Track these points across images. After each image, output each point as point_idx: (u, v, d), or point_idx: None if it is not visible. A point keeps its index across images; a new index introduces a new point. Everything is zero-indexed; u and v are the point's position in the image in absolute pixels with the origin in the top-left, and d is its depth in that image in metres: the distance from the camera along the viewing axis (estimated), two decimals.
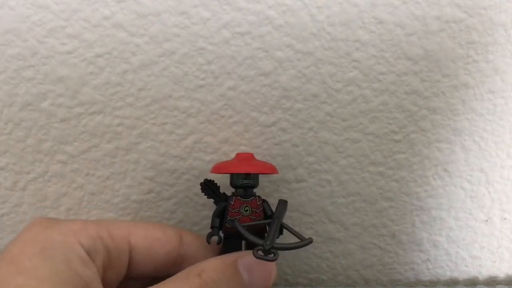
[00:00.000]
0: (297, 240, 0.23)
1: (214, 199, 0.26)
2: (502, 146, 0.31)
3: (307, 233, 0.32)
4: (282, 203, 0.24)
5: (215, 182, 0.26)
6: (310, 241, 0.22)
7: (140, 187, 0.31)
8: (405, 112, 0.29)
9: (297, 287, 0.34)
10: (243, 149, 0.30)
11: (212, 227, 0.25)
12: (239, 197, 0.25)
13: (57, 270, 0.19)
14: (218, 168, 0.26)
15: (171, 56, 0.27)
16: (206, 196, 0.26)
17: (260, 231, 0.25)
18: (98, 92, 0.28)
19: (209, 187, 0.26)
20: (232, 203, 0.24)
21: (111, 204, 0.31)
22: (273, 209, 0.25)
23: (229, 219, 0.24)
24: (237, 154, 0.27)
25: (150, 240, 0.23)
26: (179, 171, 0.30)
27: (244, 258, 0.22)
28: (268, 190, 0.31)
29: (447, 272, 0.34)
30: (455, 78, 0.29)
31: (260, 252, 0.21)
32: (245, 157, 0.26)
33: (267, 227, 0.24)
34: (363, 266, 0.34)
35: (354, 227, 0.32)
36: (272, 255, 0.21)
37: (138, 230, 0.23)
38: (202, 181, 0.26)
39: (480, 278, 0.34)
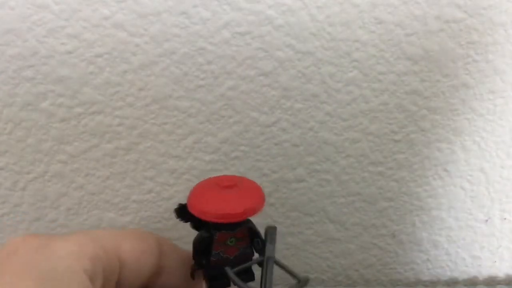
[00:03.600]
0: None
1: (193, 222, 0.22)
2: (502, 146, 0.31)
3: (307, 233, 0.32)
4: (271, 234, 0.22)
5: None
6: (307, 281, 0.21)
7: (140, 187, 0.31)
8: (405, 112, 0.29)
9: None
10: (243, 149, 0.30)
11: (198, 263, 0.22)
12: (223, 231, 0.21)
13: None
14: (196, 209, 0.21)
15: (171, 56, 0.27)
16: (183, 221, 0.22)
17: (246, 258, 0.22)
18: (98, 92, 0.28)
19: (185, 212, 0.22)
20: (217, 238, 0.21)
21: (111, 204, 0.31)
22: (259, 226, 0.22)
23: (214, 253, 0.22)
24: (216, 181, 0.22)
25: (137, 253, 0.21)
26: (179, 171, 0.30)
27: None
28: (268, 190, 0.31)
29: (447, 272, 0.34)
30: (455, 78, 0.29)
31: None
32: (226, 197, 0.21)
33: (260, 266, 0.21)
34: (363, 266, 0.34)
35: (354, 227, 0.32)
36: None
37: (126, 243, 0.21)
38: (176, 206, 0.22)
39: (480, 278, 0.34)
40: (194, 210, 0.21)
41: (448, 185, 0.31)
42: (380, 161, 0.31)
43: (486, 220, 0.33)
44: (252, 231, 0.22)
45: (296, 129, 0.30)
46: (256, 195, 0.22)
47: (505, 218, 0.33)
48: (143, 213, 0.31)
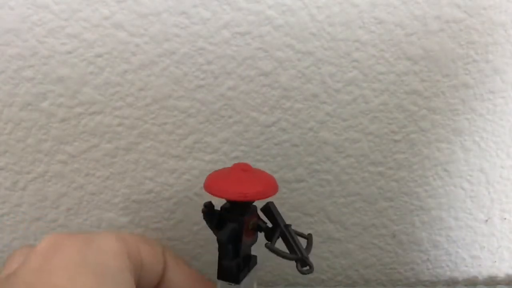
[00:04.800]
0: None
1: (218, 226, 0.22)
2: (502, 146, 0.31)
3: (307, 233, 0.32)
4: (273, 207, 0.23)
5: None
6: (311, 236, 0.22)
7: (140, 187, 0.31)
8: (405, 112, 0.29)
9: (297, 287, 0.34)
10: (243, 149, 0.30)
11: (233, 257, 0.22)
12: (246, 216, 0.22)
13: None
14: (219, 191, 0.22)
15: (171, 56, 0.27)
16: (209, 223, 0.23)
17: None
18: (98, 92, 0.28)
19: (213, 213, 0.22)
20: (244, 223, 0.22)
21: (111, 204, 0.31)
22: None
23: (244, 241, 0.22)
24: (234, 167, 0.23)
25: (151, 257, 0.21)
26: (179, 171, 0.30)
27: None
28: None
29: (447, 272, 0.34)
30: (455, 78, 0.29)
31: (300, 267, 0.21)
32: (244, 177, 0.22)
33: (275, 235, 0.23)
34: (363, 266, 0.34)
35: (354, 227, 0.32)
36: (308, 266, 0.21)
37: (144, 245, 0.21)
38: (204, 206, 0.23)
39: (480, 278, 0.34)
40: (227, 194, 0.21)
41: (448, 185, 0.31)
42: (380, 161, 0.31)
43: (486, 220, 0.33)
44: (256, 212, 0.23)
45: (296, 129, 0.30)
46: (268, 177, 0.23)
47: (505, 218, 0.33)
48: (143, 213, 0.31)
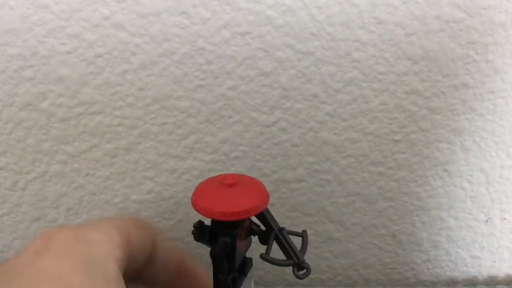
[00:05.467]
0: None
1: (210, 241, 0.22)
2: (502, 146, 0.31)
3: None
4: (267, 211, 0.22)
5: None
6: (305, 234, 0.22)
7: (140, 187, 0.31)
8: (405, 112, 0.29)
9: (297, 287, 0.34)
10: (243, 149, 0.30)
11: (231, 271, 0.22)
12: (238, 229, 0.22)
13: None
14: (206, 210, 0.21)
15: (171, 56, 0.27)
16: (201, 241, 0.22)
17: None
18: (98, 92, 0.28)
19: (204, 229, 0.22)
20: (238, 236, 0.21)
21: (111, 204, 0.31)
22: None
23: (238, 252, 0.22)
24: (221, 179, 0.22)
25: (140, 241, 0.22)
26: (179, 171, 0.30)
27: None
28: (268, 190, 0.31)
29: (447, 272, 0.34)
30: (455, 78, 0.29)
31: (297, 271, 0.21)
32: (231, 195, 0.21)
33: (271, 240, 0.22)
34: (363, 266, 0.34)
35: (354, 227, 0.32)
36: (305, 270, 0.21)
37: (135, 231, 0.22)
38: (194, 227, 0.22)
39: (480, 278, 0.34)
40: (216, 215, 0.21)
41: (448, 185, 0.31)
42: (380, 161, 0.31)
43: (486, 220, 0.33)
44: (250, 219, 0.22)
45: (296, 129, 0.29)
46: (258, 187, 0.23)
47: (505, 218, 0.33)
48: (143, 213, 0.31)
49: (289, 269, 0.34)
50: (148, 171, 0.30)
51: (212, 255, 0.21)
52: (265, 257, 0.21)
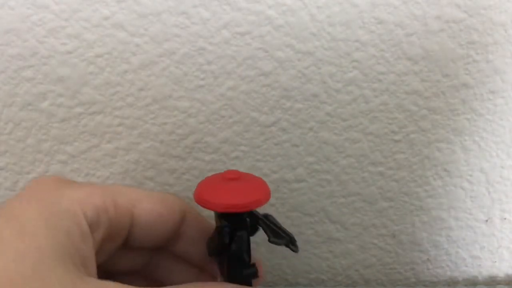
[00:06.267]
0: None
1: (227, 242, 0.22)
2: (502, 146, 0.31)
3: (307, 233, 0.32)
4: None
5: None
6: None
7: (140, 187, 0.31)
8: (405, 112, 0.29)
9: (297, 287, 0.34)
10: (243, 149, 0.30)
11: (251, 265, 0.22)
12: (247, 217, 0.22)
13: (59, 242, 0.17)
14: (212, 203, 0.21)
15: (171, 56, 0.27)
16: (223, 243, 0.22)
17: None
18: (98, 92, 0.28)
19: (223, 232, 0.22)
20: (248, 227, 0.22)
21: None
22: None
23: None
24: (223, 175, 0.23)
25: (154, 215, 0.22)
26: (179, 171, 0.30)
27: None
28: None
29: (447, 272, 0.34)
30: (455, 78, 0.29)
31: (292, 246, 0.21)
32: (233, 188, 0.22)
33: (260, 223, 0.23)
34: (363, 266, 0.34)
35: (354, 227, 0.32)
36: (295, 242, 0.21)
37: (143, 203, 0.22)
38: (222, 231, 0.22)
39: (480, 278, 0.34)
40: (232, 208, 0.21)
41: (448, 185, 0.31)
42: (380, 161, 0.31)
43: (486, 220, 0.33)
44: None
45: (296, 129, 0.29)
46: (260, 182, 0.23)
47: (505, 218, 0.33)
48: None
49: (289, 269, 0.34)
50: (148, 171, 0.30)
51: (233, 252, 0.22)
52: (274, 241, 0.21)
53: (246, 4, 0.27)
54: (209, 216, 0.23)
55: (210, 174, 0.30)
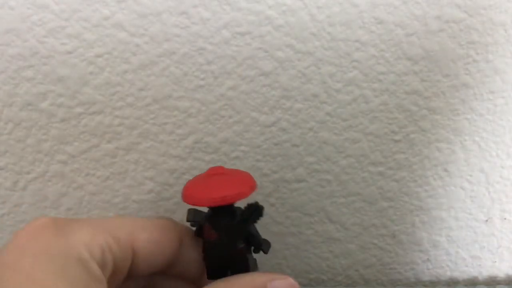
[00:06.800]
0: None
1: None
2: (502, 146, 0.31)
3: (307, 233, 0.32)
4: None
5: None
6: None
7: (140, 187, 0.31)
8: (405, 112, 0.29)
9: None
10: (243, 149, 0.30)
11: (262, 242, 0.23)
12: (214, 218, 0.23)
13: None
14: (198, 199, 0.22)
15: (171, 56, 0.27)
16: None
17: None
18: (98, 92, 0.28)
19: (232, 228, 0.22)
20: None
21: (111, 204, 0.31)
22: None
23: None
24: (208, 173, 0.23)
25: (153, 245, 0.22)
26: (179, 171, 0.30)
27: (274, 283, 0.21)
28: (267, 190, 0.31)
29: (447, 272, 0.34)
30: (455, 78, 0.29)
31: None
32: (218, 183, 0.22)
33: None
34: (363, 266, 0.34)
35: (354, 227, 0.32)
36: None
37: (141, 234, 0.22)
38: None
39: (480, 278, 0.34)
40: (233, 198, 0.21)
41: (448, 185, 0.31)
42: (380, 161, 0.31)
43: (486, 220, 0.33)
44: None
45: (296, 129, 0.29)
46: (246, 178, 0.23)
47: (505, 218, 0.33)
48: (143, 213, 0.31)
49: (288, 269, 0.34)
50: (148, 171, 0.30)
51: (250, 235, 0.22)
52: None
53: (246, 4, 0.27)
54: None
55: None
